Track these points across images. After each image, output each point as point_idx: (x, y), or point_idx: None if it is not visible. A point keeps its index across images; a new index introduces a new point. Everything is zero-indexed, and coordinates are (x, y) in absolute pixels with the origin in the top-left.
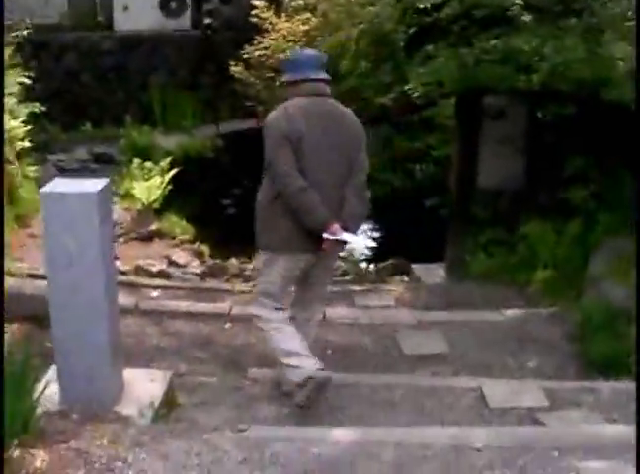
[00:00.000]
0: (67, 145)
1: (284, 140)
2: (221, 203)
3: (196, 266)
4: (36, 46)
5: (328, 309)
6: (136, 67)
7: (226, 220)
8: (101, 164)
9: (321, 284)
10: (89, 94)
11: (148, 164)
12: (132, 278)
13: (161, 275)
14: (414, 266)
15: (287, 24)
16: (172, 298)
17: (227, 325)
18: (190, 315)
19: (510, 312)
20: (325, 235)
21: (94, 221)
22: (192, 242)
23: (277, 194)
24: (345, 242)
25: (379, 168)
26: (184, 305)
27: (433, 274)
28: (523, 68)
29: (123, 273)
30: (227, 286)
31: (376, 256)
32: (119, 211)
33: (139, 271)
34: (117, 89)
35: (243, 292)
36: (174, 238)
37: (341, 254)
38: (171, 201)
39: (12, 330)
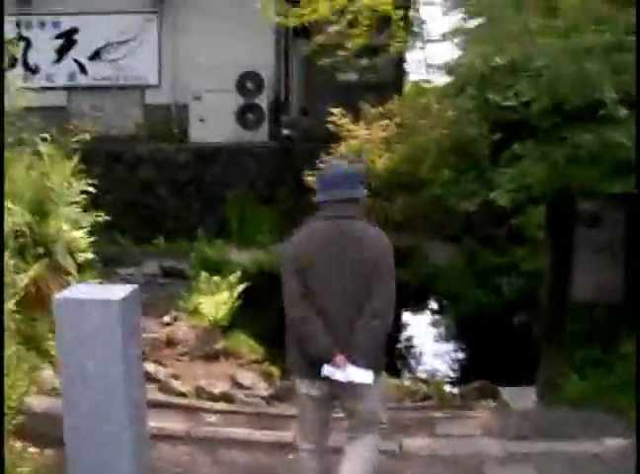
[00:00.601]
0: (138, 259)
1: (292, 267)
2: None
3: (262, 388)
4: (110, 157)
5: (406, 439)
6: (213, 179)
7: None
8: (170, 278)
9: (361, 422)
10: (164, 206)
11: (216, 278)
12: (190, 401)
13: (223, 397)
14: (501, 389)
15: (365, 131)
16: (231, 424)
17: (290, 456)
18: (248, 444)
19: (610, 442)
20: (324, 369)
21: (116, 334)
22: (260, 363)
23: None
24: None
25: (463, 285)
26: (242, 432)
27: (522, 398)
28: (621, 166)
29: (183, 394)
30: (294, 412)
31: (461, 378)
32: (184, 328)
33: (200, 392)
34: (193, 202)
35: None
36: (241, 358)
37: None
38: (240, 319)
39: (45, 456)
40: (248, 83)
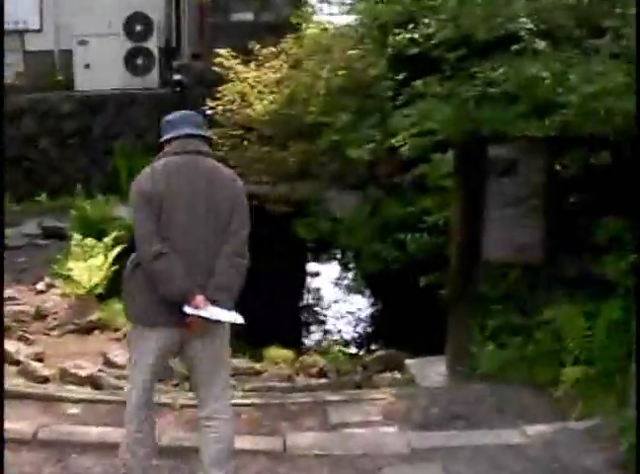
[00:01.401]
0: (18, 218)
1: (145, 202)
2: None
3: None
4: None
5: (290, 434)
6: (100, 130)
7: None
8: (51, 239)
9: (209, 375)
10: (47, 161)
11: (90, 241)
12: (50, 389)
13: (90, 381)
14: (408, 361)
15: (254, 73)
16: (91, 418)
17: (154, 462)
18: (105, 447)
19: (533, 430)
20: (185, 309)
21: None
22: None
23: (138, 260)
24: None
25: (366, 239)
26: (97, 432)
27: (431, 371)
28: (540, 105)
29: (46, 379)
30: (167, 398)
31: (365, 343)
32: (55, 298)
33: (65, 376)
34: (78, 155)
35: (186, 407)
36: (118, 330)
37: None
38: (119, 285)
39: None
40: (136, 25)
